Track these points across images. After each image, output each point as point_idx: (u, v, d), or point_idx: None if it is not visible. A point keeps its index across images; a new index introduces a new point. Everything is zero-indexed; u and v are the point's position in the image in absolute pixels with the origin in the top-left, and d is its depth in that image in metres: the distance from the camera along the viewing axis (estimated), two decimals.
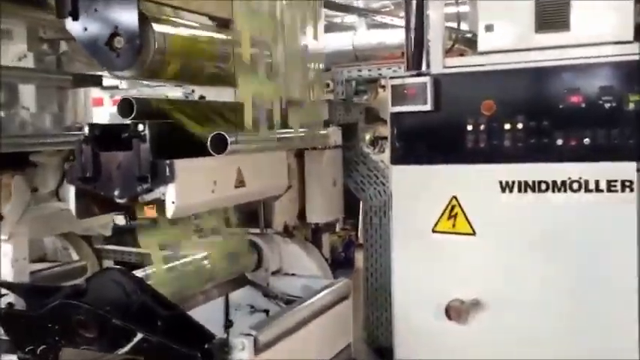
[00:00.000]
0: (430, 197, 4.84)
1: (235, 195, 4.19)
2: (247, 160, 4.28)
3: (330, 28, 6.39)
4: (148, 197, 3.57)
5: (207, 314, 5.16)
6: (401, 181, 4.95)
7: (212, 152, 3.55)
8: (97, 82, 4.55)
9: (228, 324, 4.06)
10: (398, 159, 4.97)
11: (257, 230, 5.23)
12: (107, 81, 5.17)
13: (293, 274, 5.29)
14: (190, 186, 3.65)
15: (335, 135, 5.32)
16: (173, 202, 3.40)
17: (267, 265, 5.23)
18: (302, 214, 5.52)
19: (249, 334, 3.56)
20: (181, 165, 3.45)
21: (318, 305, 4.45)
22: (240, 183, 4.23)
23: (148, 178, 3.50)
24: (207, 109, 4.23)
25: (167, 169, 3.40)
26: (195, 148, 3.70)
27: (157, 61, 3.45)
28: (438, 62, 4.89)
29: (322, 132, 5.06)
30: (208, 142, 3.57)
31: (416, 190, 4.90)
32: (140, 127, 3.44)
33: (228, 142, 3.53)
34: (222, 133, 3.56)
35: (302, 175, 5.56)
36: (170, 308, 3.41)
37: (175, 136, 3.75)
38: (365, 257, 6.22)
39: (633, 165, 4.29)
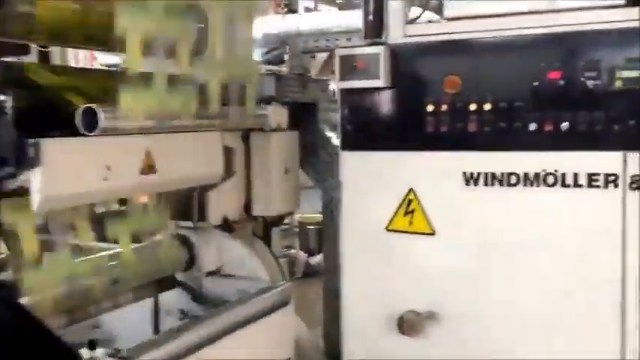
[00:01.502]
0: (384, 190, 4.25)
1: (143, 183, 3.61)
2: (161, 141, 3.70)
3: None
4: (12, 185, 3.00)
5: (136, 319, 4.61)
6: (351, 170, 4.36)
7: (81, 131, 2.97)
8: None
9: (91, 344, 3.47)
10: (347, 144, 4.37)
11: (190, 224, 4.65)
12: None
13: (231, 276, 4.71)
14: (66, 172, 3.07)
15: (278, 115, 4.72)
16: (38, 192, 2.81)
17: (201, 264, 4.65)
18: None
19: (119, 358, 2.99)
20: (52, 145, 2.87)
21: (241, 315, 3.87)
22: (150, 169, 3.65)
23: (7, 160, 2.93)
24: (111, 80, 3.63)
25: (31, 150, 2.81)
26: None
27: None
28: (397, 30, 4.27)
29: (261, 111, 4.46)
30: (76, 118, 3.00)
31: (368, 181, 4.30)
32: (1, 97, 2.86)
33: (100, 119, 2.95)
34: (93, 106, 2.97)
35: (249, 161, 4.98)
36: (34, 326, 2.84)
37: (55, 112, 3.17)
38: (325, 255, 5.63)
39: (619, 156, 3.65)
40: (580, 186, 3.76)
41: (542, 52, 3.85)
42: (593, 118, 3.73)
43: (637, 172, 3.65)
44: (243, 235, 5.01)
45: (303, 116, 5.20)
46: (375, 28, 4.52)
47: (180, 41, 3.59)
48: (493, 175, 3.98)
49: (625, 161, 3.66)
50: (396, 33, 4.28)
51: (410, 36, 4.25)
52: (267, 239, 5.13)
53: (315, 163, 5.51)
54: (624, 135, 3.67)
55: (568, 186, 3.78)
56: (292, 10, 6.71)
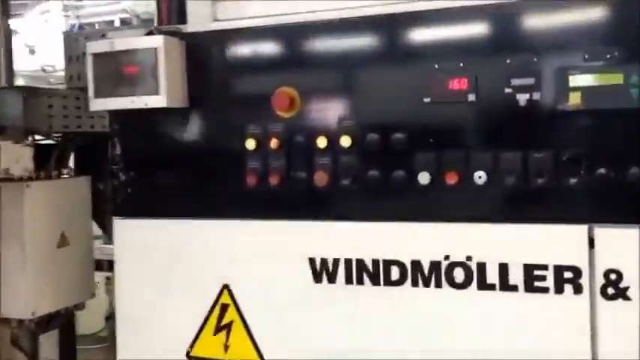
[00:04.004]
0: (181, 287, 2.49)
1: None
2: None
3: None
4: None
5: None
6: (129, 251, 2.59)
7: None
8: None
9: None
10: (121, 207, 2.60)
11: None
12: None
13: None
14: None
15: (14, 155, 2.91)
16: None
17: None
18: None
19: None
20: None
21: None
22: None
23: None
24: None
25: None
26: None
27: None
28: (203, 13, 2.55)
29: None
30: None
31: (155, 272, 2.54)
32: None
33: None
34: None
35: None
36: None
37: None
38: None
39: (581, 233, 2.00)
40: (511, 288, 2.10)
41: (435, 45, 2.18)
42: (532, 164, 2.07)
43: (614, 266, 2.00)
44: None
45: (92, 154, 3.42)
46: (173, 9, 2.81)
47: None
48: (361, 266, 2.28)
49: (591, 243, 2.01)
50: (201, 18, 2.56)
51: (222, 20, 2.53)
52: (33, 352, 3.30)
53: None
54: (590, 194, 2.02)
55: (490, 287, 2.12)
56: None
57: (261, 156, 2.43)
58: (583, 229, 2.06)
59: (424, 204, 2.25)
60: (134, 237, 2.63)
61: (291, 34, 2.41)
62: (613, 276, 2.03)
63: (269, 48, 2.46)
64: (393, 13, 2.26)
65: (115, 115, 2.62)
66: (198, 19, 2.61)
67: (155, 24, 2.88)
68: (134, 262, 2.62)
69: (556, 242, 2.09)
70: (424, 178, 2.21)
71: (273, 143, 2.40)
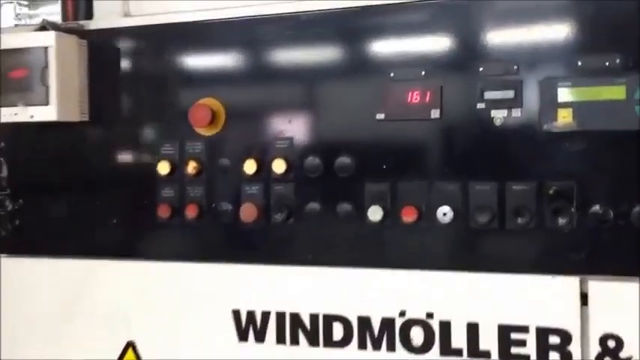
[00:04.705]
0: (76, 341, 2.03)
1: None
2: None
3: None
4: None
5: None
6: (13, 291, 2.12)
7: None
8: None
9: None
10: (5, 240, 2.13)
11: None
12: None
13: None
14: None
15: None
16: None
17: None
18: None
19: None
20: None
21: None
22: None
23: None
24: None
25: None
26: None
27: None
28: (112, 7, 2.12)
29: None
30: None
31: (43, 319, 2.06)
32: None
33: None
34: None
35: None
36: None
37: None
38: None
39: (571, 287, 1.57)
40: (483, 355, 1.70)
41: (390, 48, 1.76)
42: (510, 198, 1.65)
43: (613, 330, 1.58)
44: None
45: None
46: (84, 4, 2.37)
47: None
48: (296, 321, 1.84)
49: (584, 299, 1.60)
50: (109, 10, 2.12)
51: (136, 16, 2.09)
52: None
53: None
54: (582, 238, 1.61)
55: (455, 353, 1.74)
56: None
57: (176, 183, 1.98)
58: (573, 281, 1.64)
59: (375, 246, 1.81)
60: (22, 279, 2.14)
61: (218, 33, 1.97)
62: (611, 342, 1.61)
63: (190, 50, 2.01)
64: (339, 9, 1.83)
65: (0, 129, 2.14)
66: (107, 15, 2.16)
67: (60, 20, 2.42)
68: (22, 309, 2.13)
69: (539, 298, 1.66)
70: (375, 213, 1.77)
71: (191, 167, 1.95)
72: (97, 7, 2.22)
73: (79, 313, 2.07)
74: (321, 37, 1.86)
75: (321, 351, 1.84)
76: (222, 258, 1.94)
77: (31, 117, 1.96)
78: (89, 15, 2.26)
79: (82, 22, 2.16)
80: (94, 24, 2.13)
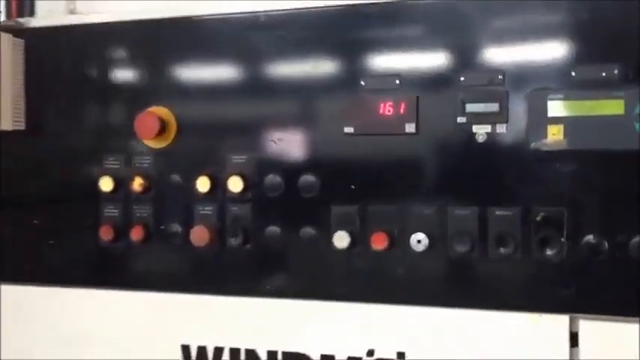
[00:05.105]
0: None
1: None
2: None
3: None
4: None
5: None
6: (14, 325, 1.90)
7: None
8: None
9: None
10: None
11: None
12: None
13: None
14: None
15: None
16: None
17: None
18: None
19: None
20: None
21: None
22: None
23: None
24: None
25: None
26: None
27: None
28: (57, 5, 1.92)
29: None
30: None
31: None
32: None
33: None
34: None
35: None
36: None
37: None
38: None
39: (561, 323, 1.39)
40: None
41: (361, 52, 1.56)
42: (493, 225, 1.45)
43: None
44: None
45: None
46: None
47: None
48: (252, 358, 1.62)
49: (574, 339, 1.44)
50: (53, 8, 1.91)
51: (82, 14, 1.88)
52: None
53: None
54: (573, 271, 1.43)
55: None
56: None
57: (121, 201, 1.77)
58: (562, 320, 1.46)
59: (342, 276, 1.61)
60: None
61: (171, 35, 1.77)
62: None
63: (139, 53, 1.80)
64: (301, 8, 1.64)
65: None
66: (49, 13, 1.95)
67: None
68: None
69: (524, 337, 1.48)
70: (342, 239, 1.58)
71: (137, 184, 1.74)
72: (41, 5, 2.02)
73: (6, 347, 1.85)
74: (283, 41, 1.66)
75: None
76: (170, 286, 1.74)
77: None
78: (32, 13, 2.06)
79: (21, 20, 1.95)
80: (34, 22, 1.92)
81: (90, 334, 1.79)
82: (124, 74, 1.80)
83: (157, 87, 1.76)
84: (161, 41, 1.77)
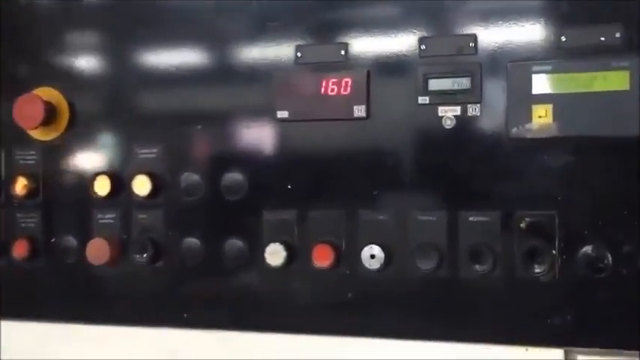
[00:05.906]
0: None
1: None
2: None
3: None
4: None
5: None
6: None
7: None
8: None
9: None
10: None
11: None
12: None
13: None
14: None
15: None
16: None
17: None
18: None
19: None
20: None
21: None
22: None
23: None
24: None
25: None
26: None
27: None
28: None
29: None
30: None
31: None
32: None
33: None
34: None
35: None
36: None
37: None
38: None
39: (555, 357, 1.09)
40: None
41: (296, 18, 1.24)
42: (465, 234, 1.15)
43: None
44: None
45: None
46: None
47: None
48: None
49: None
50: None
51: None
52: None
53: None
54: (567, 295, 1.12)
55: None
56: None
57: (0, 208, 1.42)
58: (556, 354, 1.16)
59: (276, 300, 1.29)
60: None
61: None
62: None
63: (20, 22, 1.46)
64: None
65: None
66: None
67: None
68: None
69: None
70: (276, 255, 1.26)
71: (20, 186, 1.40)
72: None
73: None
74: (200, 7, 1.33)
75: None
76: (63, 315, 1.40)
77: None
78: None
79: None
80: None
81: None
82: (3, 48, 1.45)
83: (44, 64, 1.41)
84: (48, 7, 1.42)
